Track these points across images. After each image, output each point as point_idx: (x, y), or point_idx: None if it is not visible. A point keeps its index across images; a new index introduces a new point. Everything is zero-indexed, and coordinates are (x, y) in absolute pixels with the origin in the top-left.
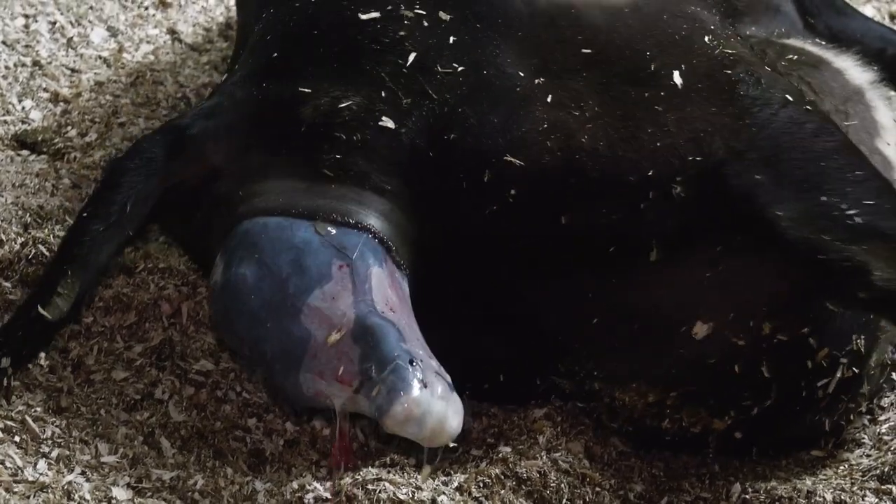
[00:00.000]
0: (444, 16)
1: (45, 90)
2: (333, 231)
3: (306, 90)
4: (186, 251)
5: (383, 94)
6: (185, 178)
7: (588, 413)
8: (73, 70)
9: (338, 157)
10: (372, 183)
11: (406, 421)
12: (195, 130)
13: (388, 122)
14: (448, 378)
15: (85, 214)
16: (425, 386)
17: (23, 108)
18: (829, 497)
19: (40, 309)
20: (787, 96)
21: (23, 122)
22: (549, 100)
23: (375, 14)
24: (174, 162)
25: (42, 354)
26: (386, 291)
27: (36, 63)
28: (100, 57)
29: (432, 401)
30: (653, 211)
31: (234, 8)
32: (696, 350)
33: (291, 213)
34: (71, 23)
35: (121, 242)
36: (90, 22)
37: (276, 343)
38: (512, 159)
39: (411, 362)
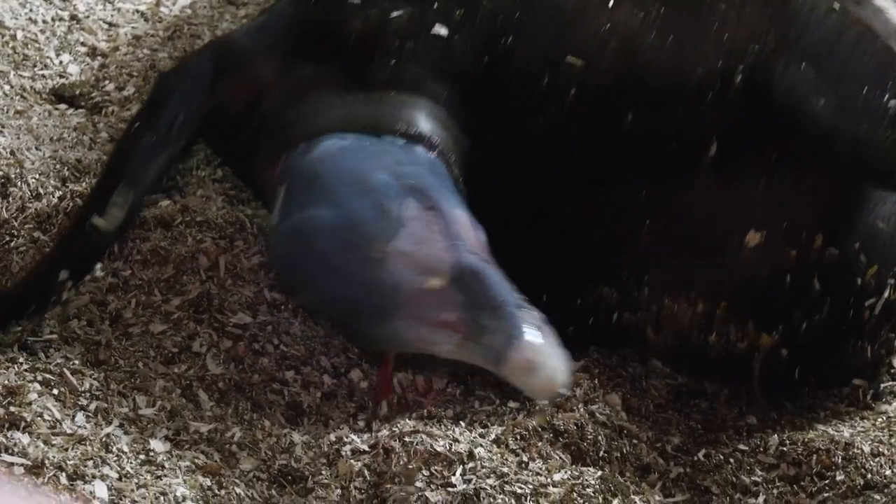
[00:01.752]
0: None
1: (83, 44)
2: (400, 143)
3: (355, 2)
4: (232, 170)
5: (435, 6)
6: (233, 94)
7: (626, 361)
8: (110, 24)
9: (391, 64)
10: (427, 90)
11: (525, 368)
12: (245, 46)
13: (440, 30)
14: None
15: (134, 128)
16: (540, 332)
17: (60, 62)
18: (866, 449)
19: (96, 220)
20: (834, 5)
21: (60, 77)
22: (610, 2)
23: None
24: (222, 78)
25: (98, 266)
26: (470, 232)
27: (73, 17)
28: (137, 11)
29: (549, 349)
30: (711, 111)
31: None
32: (748, 260)
33: (353, 127)
34: None
35: (171, 157)
36: None
37: (360, 289)
38: (573, 61)
39: (520, 307)
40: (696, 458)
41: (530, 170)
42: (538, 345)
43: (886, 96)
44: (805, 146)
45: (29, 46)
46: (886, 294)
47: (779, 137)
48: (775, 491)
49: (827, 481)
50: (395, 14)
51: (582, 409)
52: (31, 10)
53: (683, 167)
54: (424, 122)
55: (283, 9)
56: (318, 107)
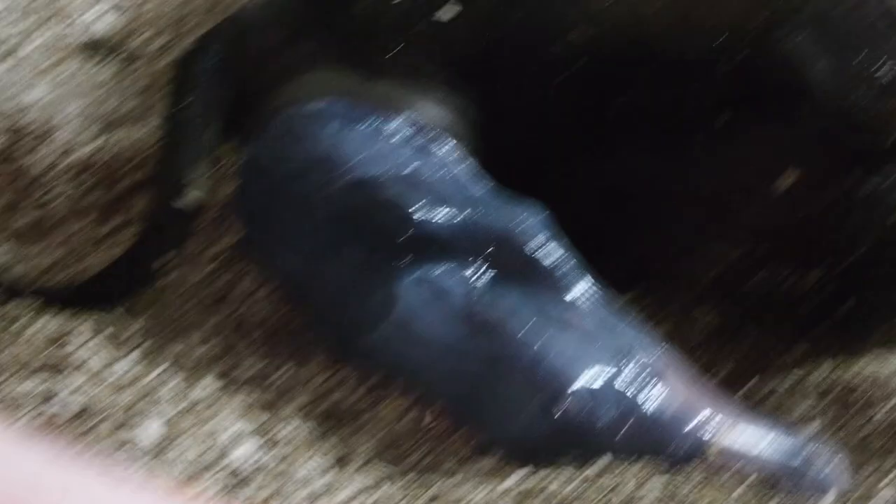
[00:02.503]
0: None
1: None
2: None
3: None
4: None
5: None
6: (245, 64)
7: (676, 292)
8: None
9: (391, 47)
10: (431, 73)
11: None
12: (254, 21)
13: (444, 14)
14: None
15: (176, 108)
16: None
17: (92, 15)
18: None
19: (179, 203)
20: None
21: (90, 31)
22: None
23: None
24: (236, 49)
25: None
26: None
27: None
28: None
29: None
30: (719, 75)
31: None
32: (785, 199)
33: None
34: None
35: (217, 127)
36: None
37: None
38: (585, 27)
39: None
40: (744, 389)
41: (543, 138)
42: None
43: (878, 66)
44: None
45: (61, 0)
46: None
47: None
48: (826, 419)
49: (874, 414)
50: None
51: None
52: None
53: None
54: (439, 104)
55: None
56: (314, 81)
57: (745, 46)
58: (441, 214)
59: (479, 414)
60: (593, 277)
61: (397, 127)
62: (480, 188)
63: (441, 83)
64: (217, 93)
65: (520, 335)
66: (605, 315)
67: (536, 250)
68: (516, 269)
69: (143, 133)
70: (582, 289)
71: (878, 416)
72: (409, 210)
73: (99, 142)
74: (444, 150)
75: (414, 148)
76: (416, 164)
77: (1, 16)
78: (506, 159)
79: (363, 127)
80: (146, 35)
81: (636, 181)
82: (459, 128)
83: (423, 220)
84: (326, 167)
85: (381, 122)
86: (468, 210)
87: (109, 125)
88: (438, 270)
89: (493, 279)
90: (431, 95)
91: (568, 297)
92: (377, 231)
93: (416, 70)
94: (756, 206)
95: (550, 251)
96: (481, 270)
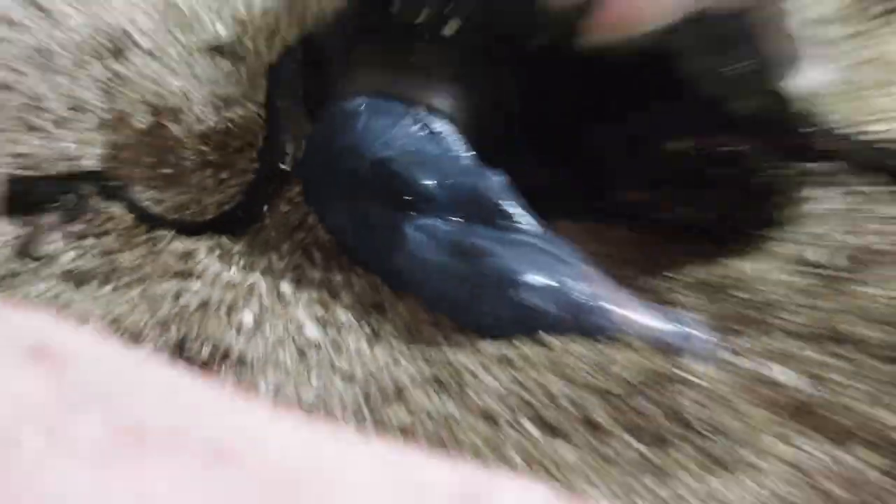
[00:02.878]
0: None
1: (230, 15)
2: (423, 113)
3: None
4: None
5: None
6: (316, 66)
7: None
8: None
9: (421, 48)
10: (445, 70)
11: None
12: (318, 35)
13: (454, 25)
14: None
15: (274, 101)
16: None
17: (215, 27)
18: (759, 275)
19: (282, 166)
20: None
21: (215, 38)
22: None
23: None
24: (308, 56)
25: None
26: None
27: None
28: None
29: None
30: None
31: None
32: (681, 157)
33: (384, 94)
34: None
35: (301, 113)
36: None
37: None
38: (544, 37)
39: None
40: (639, 283)
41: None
42: None
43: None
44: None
45: (193, 17)
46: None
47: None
48: (697, 304)
49: (733, 298)
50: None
51: None
52: None
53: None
54: (443, 97)
55: (341, 6)
56: (359, 78)
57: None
58: (434, 180)
59: (464, 309)
60: (538, 216)
61: (412, 113)
62: (465, 160)
63: (446, 80)
64: (299, 88)
65: (486, 256)
66: (545, 239)
67: (497, 201)
68: (485, 214)
69: (246, 112)
70: (529, 223)
71: (739, 303)
72: (413, 179)
73: (216, 118)
74: (443, 129)
75: (420, 130)
76: (419, 144)
77: (150, 30)
78: (493, 134)
79: (382, 120)
80: (252, 41)
81: (582, 141)
82: (459, 112)
83: (421, 185)
84: (358, 151)
85: (400, 111)
86: (454, 177)
87: (224, 106)
88: (432, 219)
89: (468, 222)
90: (439, 89)
91: (520, 230)
92: (391, 194)
93: (429, 71)
94: (659, 158)
95: (507, 202)
96: (460, 217)
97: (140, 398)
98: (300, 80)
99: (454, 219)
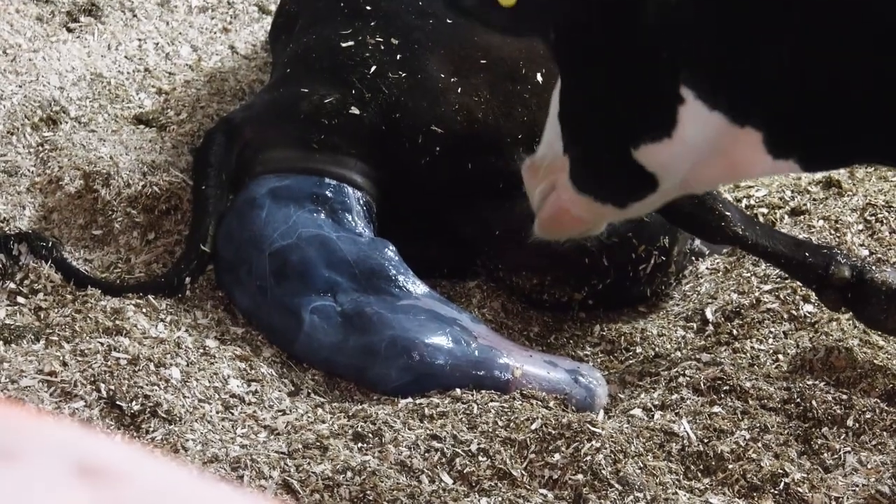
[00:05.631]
0: (394, 41)
1: (153, 87)
2: (332, 183)
3: (304, 90)
4: None
5: (353, 92)
6: (235, 150)
7: (503, 286)
8: (170, 73)
9: (323, 134)
10: (346, 150)
11: None
12: (238, 120)
13: (355, 110)
14: None
15: (202, 188)
16: None
17: (139, 98)
18: (654, 331)
19: (203, 247)
20: None
21: (139, 108)
22: (459, 91)
23: (351, 42)
24: (229, 141)
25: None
26: None
27: (146, 69)
28: (187, 65)
29: None
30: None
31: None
32: (559, 250)
33: (296, 171)
34: (167, 43)
35: (225, 195)
36: (180, 42)
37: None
38: (436, 128)
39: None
40: (548, 341)
41: (419, 193)
42: None
43: None
44: None
45: (119, 89)
46: (653, 261)
47: None
48: (599, 359)
49: (631, 353)
50: (328, 99)
51: (476, 312)
52: (119, 66)
53: (512, 191)
54: (347, 173)
55: (261, 94)
56: (272, 157)
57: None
58: (329, 265)
59: (365, 377)
60: (428, 283)
61: (317, 190)
62: (361, 236)
63: (353, 155)
64: (222, 169)
65: (380, 326)
66: (437, 304)
67: (391, 272)
68: (379, 284)
69: (171, 177)
70: (421, 289)
71: (632, 357)
72: (308, 265)
73: (145, 181)
74: (344, 204)
75: (320, 212)
76: (319, 227)
77: (79, 99)
78: (395, 203)
79: (284, 209)
80: (174, 111)
81: (477, 222)
82: (364, 184)
83: (316, 270)
84: (258, 244)
85: (305, 193)
86: (350, 254)
87: (152, 170)
88: (326, 300)
89: (364, 293)
90: (346, 163)
91: (413, 295)
92: (289, 279)
93: (337, 146)
94: (546, 249)
95: (400, 271)
96: (353, 292)
97: None
98: (224, 162)
99: (350, 292)
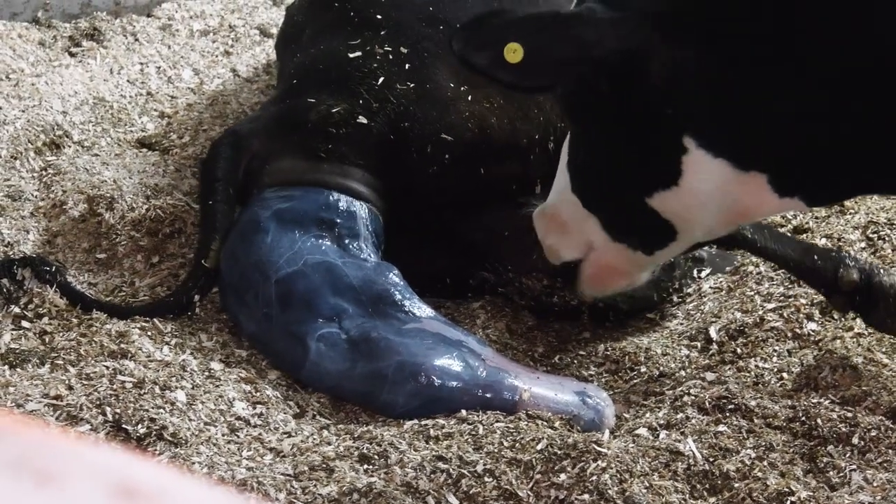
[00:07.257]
0: (403, 50)
1: (155, 110)
2: (336, 195)
3: (312, 101)
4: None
5: (360, 102)
6: (242, 161)
7: (508, 302)
8: (172, 97)
9: (330, 144)
10: (353, 160)
11: None
12: (245, 131)
13: (363, 120)
14: None
15: (208, 204)
16: None
17: (142, 122)
18: (658, 350)
19: (205, 262)
20: None
21: (142, 131)
22: (469, 98)
23: (359, 53)
24: (236, 153)
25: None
26: None
27: (148, 93)
28: (189, 88)
29: None
30: (537, 162)
31: (275, 54)
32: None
33: (302, 183)
34: (169, 66)
35: (231, 213)
36: (182, 66)
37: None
38: (446, 136)
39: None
40: (553, 361)
41: (427, 203)
42: None
43: None
44: None
45: (121, 112)
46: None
47: None
48: (603, 378)
49: (635, 372)
50: (335, 109)
51: (480, 333)
52: (121, 90)
53: (524, 195)
54: (353, 184)
55: (268, 106)
56: (279, 168)
57: (559, 138)
58: (335, 291)
59: (373, 402)
60: (432, 304)
61: (322, 211)
62: (365, 262)
63: (361, 165)
64: (229, 182)
65: (386, 351)
66: (443, 326)
67: (395, 296)
68: (382, 311)
69: (175, 200)
70: (427, 313)
71: (643, 370)
72: (313, 293)
73: (149, 204)
74: (352, 229)
75: (325, 238)
76: (324, 254)
77: (82, 123)
78: (402, 213)
79: (289, 234)
80: (177, 134)
81: (488, 227)
82: (370, 196)
83: (322, 299)
84: (263, 270)
85: (311, 217)
86: (355, 280)
87: (155, 192)
88: (332, 327)
89: (370, 318)
90: (353, 174)
91: (418, 318)
92: (294, 307)
93: (345, 156)
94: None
95: (405, 295)
96: (359, 318)
97: None
98: (232, 175)
99: (356, 318)
